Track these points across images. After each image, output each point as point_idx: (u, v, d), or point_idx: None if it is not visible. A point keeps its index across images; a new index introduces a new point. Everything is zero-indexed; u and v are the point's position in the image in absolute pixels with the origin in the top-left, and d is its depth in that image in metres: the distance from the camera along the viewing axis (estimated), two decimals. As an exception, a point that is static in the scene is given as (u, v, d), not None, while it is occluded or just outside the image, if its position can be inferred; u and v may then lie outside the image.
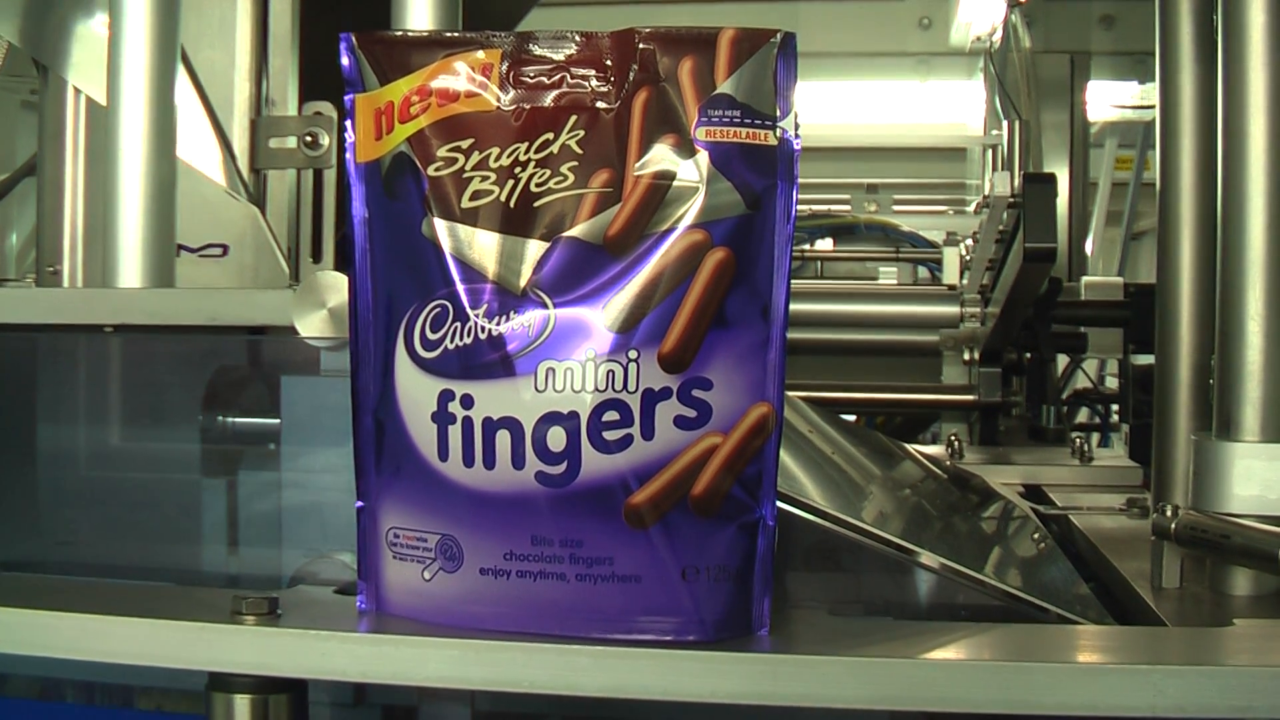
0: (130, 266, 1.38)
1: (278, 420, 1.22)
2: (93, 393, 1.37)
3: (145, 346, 1.33)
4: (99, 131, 1.53)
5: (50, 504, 1.35)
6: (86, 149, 1.72)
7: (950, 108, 6.03)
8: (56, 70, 1.68)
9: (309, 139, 1.73)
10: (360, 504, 0.99)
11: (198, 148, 1.70)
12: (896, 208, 5.01)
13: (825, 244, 4.34)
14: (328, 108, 1.73)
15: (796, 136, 0.93)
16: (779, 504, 0.96)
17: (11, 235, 3.45)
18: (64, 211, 1.73)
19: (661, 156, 0.92)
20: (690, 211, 0.91)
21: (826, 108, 6.15)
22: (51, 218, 1.74)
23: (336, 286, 1.12)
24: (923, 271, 3.91)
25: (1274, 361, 1.16)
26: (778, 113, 0.92)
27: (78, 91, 1.69)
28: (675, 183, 0.92)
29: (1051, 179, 2.54)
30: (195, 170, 1.65)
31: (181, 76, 1.46)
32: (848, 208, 4.79)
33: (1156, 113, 1.46)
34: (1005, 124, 3.97)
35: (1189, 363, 1.41)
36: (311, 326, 1.13)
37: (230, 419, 1.30)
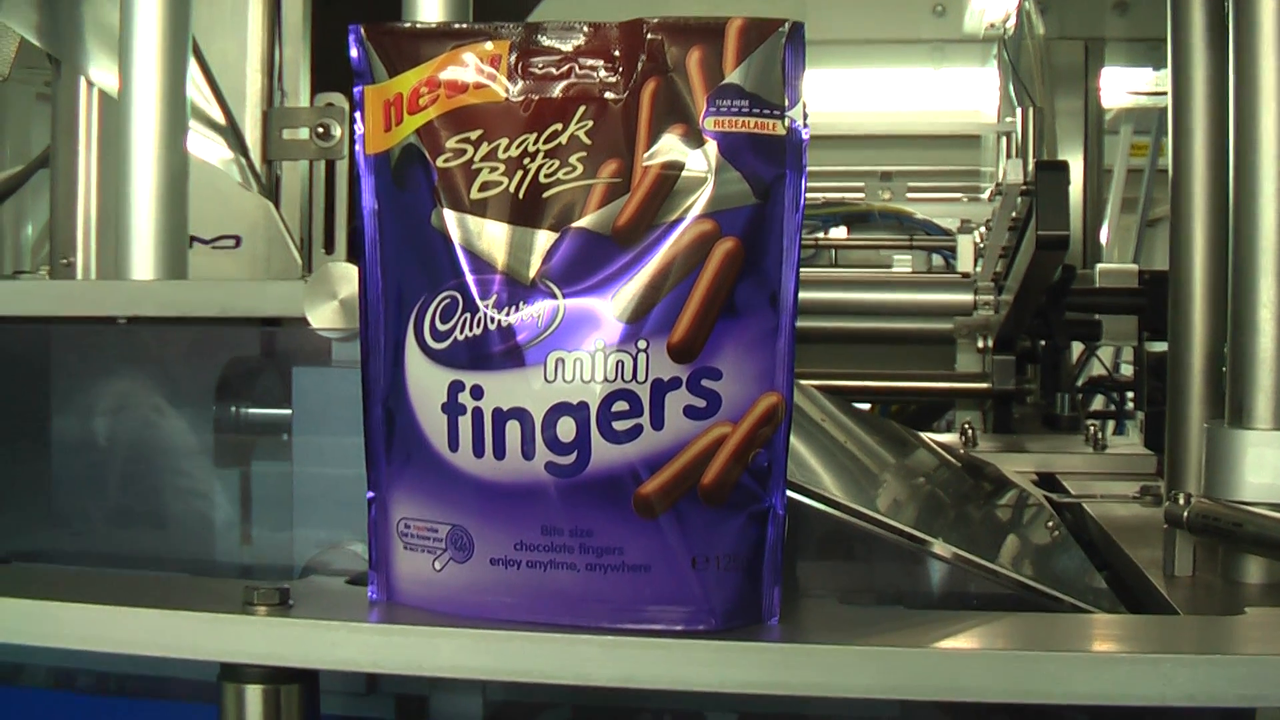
0: (143, 258, 1.38)
1: (289, 411, 1.22)
2: (106, 383, 1.37)
3: (158, 337, 1.33)
4: (112, 123, 1.53)
5: (64, 495, 1.35)
6: (100, 141, 1.72)
7: (964, 95, 6.01)
8: (69, 62, 1.69)
9: (321, 130, 1.73)
10: (371, 494, 0.99)
11: (210, 139, 1.70)
12: (910, 195, 4.99)
13: (839, 232, 4.33)
14: (339, 99, 1.73)
15: (805, 126, 0.93)
16: (790, 493, 0.96)
17: (27, 227, 3.46)
18: (78, 203, 1.74)
19: (670, 146, 0.92)
20: (699, 201, 0.91)
21: (840, 95, 6.14)
22: (65, 210, 1.75)
23: (348, 277, 1.12)
24: (937, 259, 3.90)
25: (1287, 349, 1.16)
26: (786, 102, 0.92)
27: (90, 84, 1.69)
28: (684, 173, 0.91)
29: (1064, 166, 2.53)
30: (208, 162, 1.65)
31: (193, 68, 1.46)
32: (861, 195, 4.78)
33: (1169, 101, 1.46)
34: (1019, 111, 3.95)
35: (1202, 351, 1.41)
36: (323, 318, 1.14)
37: (243, 409, 1.31)
